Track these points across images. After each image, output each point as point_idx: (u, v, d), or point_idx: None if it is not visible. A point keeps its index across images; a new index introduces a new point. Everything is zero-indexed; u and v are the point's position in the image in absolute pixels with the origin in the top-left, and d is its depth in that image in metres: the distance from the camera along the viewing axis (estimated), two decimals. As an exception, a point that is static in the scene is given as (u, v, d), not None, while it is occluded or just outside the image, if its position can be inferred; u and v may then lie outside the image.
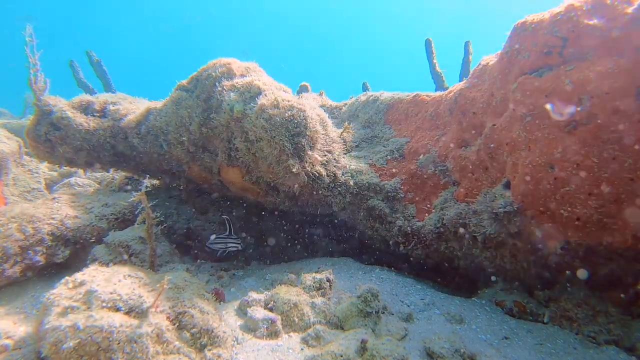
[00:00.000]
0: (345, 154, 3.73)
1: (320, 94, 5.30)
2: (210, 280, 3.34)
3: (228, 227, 3.16)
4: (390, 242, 3.44)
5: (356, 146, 3.93)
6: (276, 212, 4.32)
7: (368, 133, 4.05)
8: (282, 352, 2.16)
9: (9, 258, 2.83)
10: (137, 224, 2.48)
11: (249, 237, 3.95)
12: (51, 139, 3.89)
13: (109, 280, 1.95)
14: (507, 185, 2.69)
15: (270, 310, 2.51)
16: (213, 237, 3.18)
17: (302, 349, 2.19)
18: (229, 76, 3.34)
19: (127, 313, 1.84)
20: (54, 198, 3.62)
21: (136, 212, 2.46)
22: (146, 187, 2.39)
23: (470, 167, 3.01)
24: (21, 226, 2.95)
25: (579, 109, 2.17)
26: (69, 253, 3.21)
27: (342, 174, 3.45)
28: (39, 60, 3.78)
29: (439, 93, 3.69)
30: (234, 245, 3.12)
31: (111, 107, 4.00)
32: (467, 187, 3.01)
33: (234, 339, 2.22)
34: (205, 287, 2.51)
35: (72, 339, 1.63)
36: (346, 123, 3.99)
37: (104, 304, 1.81)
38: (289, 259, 4.13)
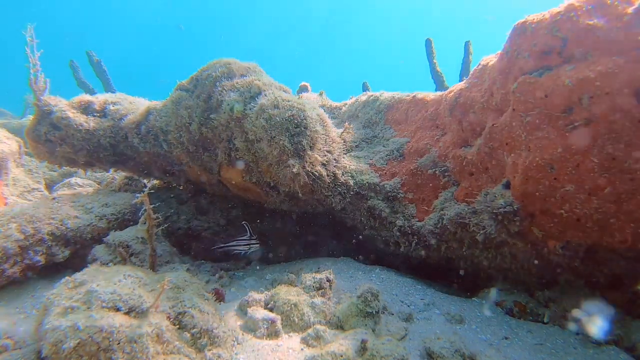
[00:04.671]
0: (345, 154, 3.73)
1: (320, 94, 5.30)
2: (211, 280, 3.34)
3: (248, 230, 3.41)
4: (391, 242, 3.44)
5: (356, 146, 3.93)
6: (276, 212, 4.32)
7: (368, 133, 4.05)
8: (282, 352, 2.16)
9: (9, 258, 2.83)
10: (139, 225, 2.49)
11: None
12: (51, 139, 3.89)
13: (109, 280, 1.95)
14: (507, 185, 2.69)
15: (271, 310, 2.51)
16: (233, 242, 3.47)
17: (302, 349, 2.19)
18: (229, 76, 3.34)
19: (127, 313, 1.84)
20: (54, 198, 3.62)
21: (139, 213, 2.48)
22: (148, 188, 2.41)
23: (470, 167, 3.01)
24: (21, 226, 2.95)
25: (578, 109, 2.17)
26: (69, 253, 3.21)
27: (342, 174, 3.45)
28: (39, 60, 3.78)
29: (439, 93, 3.69)
30: (255, 245, 3.41)
31: (111, 107, 4.00)
32: (467, 187, 3.01)
33: (234, 339, 2.22)
34: (206, 287, 2.51)
35: (72, 339, 1.63)
36: (346, 123, 3.99)
37: (104, 304, 1.81)
38: (289, 258, 4.13)
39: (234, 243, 3.39)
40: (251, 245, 3.39)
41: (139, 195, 2.41)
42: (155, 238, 2.61)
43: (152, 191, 2.47)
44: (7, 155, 4.55)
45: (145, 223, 2.50)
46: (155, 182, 4.67)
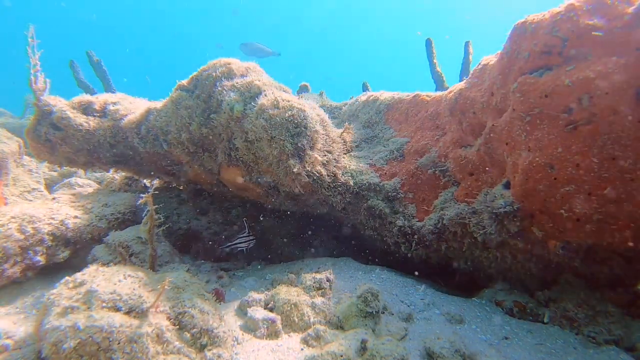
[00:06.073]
0: (345, 154, 3.73)
1: (320, 94, 5.31)
2: (211, 280, 3.34)
3: (246, 227, 3.53)
4: (391, 242, 3.44)
5: (356, 146, 3.94)
6: (276, 212, 4.32)
7: (368, 133, 4.05)
8: (282, 352, 2.16)
9: (9, 258, 2.83)
10: (142, 225, 2.49)
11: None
12: (51, 139, 3.89)
13: (109, 280, 1.95)
14: (507, 185, 2.69)
15: (271, 310, 2.51)
16: (235, 240, 3.57)
17: (302, 349, 2.19)
18: (229, 76, 3.34)
19: (127, 313, 1.84)
20: (54, 198, 3.62)
21: (143, 214, 2.49)
22: (153, 189, 2.42)
23: (470, 167, 3.01)
24: (21, 226, 2.95)
25: (578, 109, 2.17)
26: (69, 253, 3.21)
27: (342, 174, 3.45)
28: (39, 60, 3.78)
29: (439, 93, 3.69)
30: (252, 241, 3.54)
31: (111, 107, 4.00)
32: (467, 187, 3.01)
33: (234, 339, 2.22)
34: (206, 287, 2.51)
35: (72, 339, 1.63)
36: (346, 123, 3.99)
37: (104, 304, 1.81)
38: (289, 259, 4.13)
39: (237, 241, 3.44)
40: (250, 242, 3.47)
41: (143, 195, 2.41)
42: (156, 238, 2.61)
43: (156, 192, 2.47)
44: (7, 155, 4.55)
45: (147, 223, 2.50)
46: (156, 182, 4.67)
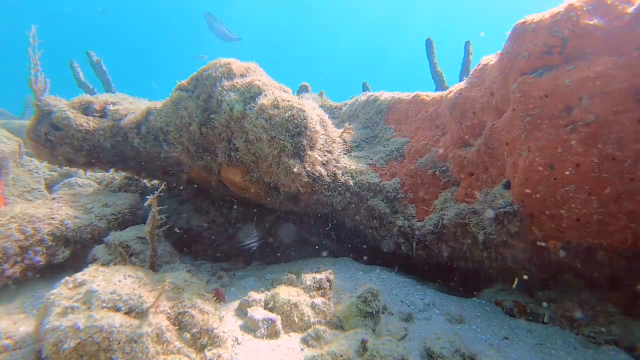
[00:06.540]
0: (345, 154, 3.73)
1: (320, 94, 5.31)
2: (211, 280, 3.34)
3: (255, 227, 3.67)
4: (391, 242, 3.44)
5: (356, 146, 3.94)
6: (276, 212, 4.32)
7: (368, 133, 4.05)
8: (282, 352, 2.16)
9: (9, 258, 2.83)
10: (147, 225, 2.50)
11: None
12: (51, 139, 3.89)
13: (109, 280, 1.95)
14: (507, 185, 2.69)
15: (271, 310, 2.51)
16: (252, 238, 3.77)
17: (302, 349, 2.19)
18: (229, 76, 3.34)
19: (127, 313, 1.84)
20: (54, 198, 3.62)
21: (149, 214, 2.50)
22: (159, 191, 2.44)
23: (470, 167, 3.01)
24: (21, 226, 2.95)
25: (578, 109, 2.17)
26: (69, 253, 3.21)
27: (342, 174, 3.45)
28: (39, 60, 3.78)
29: (439, 93, 3.69)
30: (260, 241, 3.68)
31: (111, 107, 4.00)
32: (467, 187, 3.01)
33: (234, 339, 2.22)
34: (206, 287, 2.51)
35: (72, 339, 1.63)
36: (346, 123, 3.99)
37: (104, 304, 1.81)
38: (289, 259, 4.13)
39: (252, 240, 3.49)
40: (258, 242, 3.51)
41: (148, 197, 2.42)
42: (156, 238, 2.61)
43: (161, 194, 2.48)
44: (7, 155, 4.55)
45: (150, 224, 2.50)
46: (156, 182, 4.67)
